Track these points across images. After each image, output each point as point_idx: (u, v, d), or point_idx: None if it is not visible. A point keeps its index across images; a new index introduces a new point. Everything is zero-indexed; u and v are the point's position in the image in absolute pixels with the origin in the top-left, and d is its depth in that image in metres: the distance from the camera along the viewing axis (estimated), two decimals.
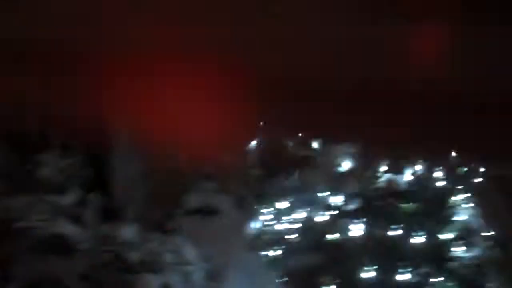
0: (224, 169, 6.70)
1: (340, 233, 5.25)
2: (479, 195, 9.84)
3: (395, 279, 5.17)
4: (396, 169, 7.74)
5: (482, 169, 11.79)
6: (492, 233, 9.80)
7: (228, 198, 6.78)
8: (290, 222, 5.11)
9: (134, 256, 5.31)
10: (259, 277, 5.63)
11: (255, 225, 5.27)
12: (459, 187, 10.86)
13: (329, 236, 5.20)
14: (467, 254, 9.47)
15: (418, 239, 5.53)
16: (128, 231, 5.56)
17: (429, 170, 7.52)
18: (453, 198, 10.46)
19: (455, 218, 9.85)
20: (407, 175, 7.43)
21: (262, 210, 5.22)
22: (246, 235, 5.31)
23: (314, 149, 5.51)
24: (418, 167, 8.30)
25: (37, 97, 6.16)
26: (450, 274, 8.05)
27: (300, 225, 5.11)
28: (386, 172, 8.15)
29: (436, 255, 6.00)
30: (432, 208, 6.64)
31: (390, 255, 5.43)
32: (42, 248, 5.22)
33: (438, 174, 7.65)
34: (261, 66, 6.00)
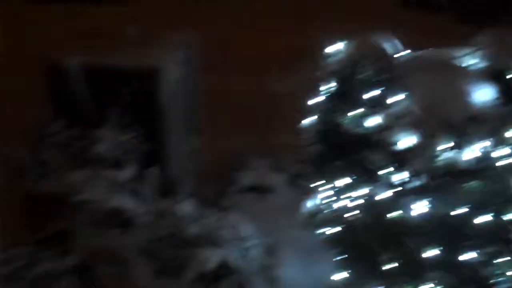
0: (277, 146, 6.52)
1: (402, 211, 4.93)
2: None
3: (459, 259, 4.86)
4: (460, 146, 7.10)
5: None
6: None
7: (281, 176, 6.61)
8: (350, 200, 4.85)
9: (192, 230, 5.33)
10: (315, 255, 5.47)
11: (311, 203, 5.08)
12: None
13: (390, 214, 4.89)
14: None
15: (483, 219, 5.10)
16: (186, 206, 5.58)
17: (494, 147, 6.75)
18: None
19: None
20: (471, 153, 6.75)
21: (320, 188, 5.01)
22: (301, 213, 5.13)
23: (373, 126, 5.11)
24: (482, 145, 7.47)
25: None
26: None
27: (360, 202, 4.84)
28: (449, 149, 7.50)
29: (501, 235, 5.51)
30: (496, 187, 6.02)
31: (453, 235, 5.08)
32: (101, 222, 5.37)
33: (503, 151, 6.83)
34: None
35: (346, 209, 5.08)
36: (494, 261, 4.91)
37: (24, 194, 5.52)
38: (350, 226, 5.09)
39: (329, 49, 5.02)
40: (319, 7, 6.44)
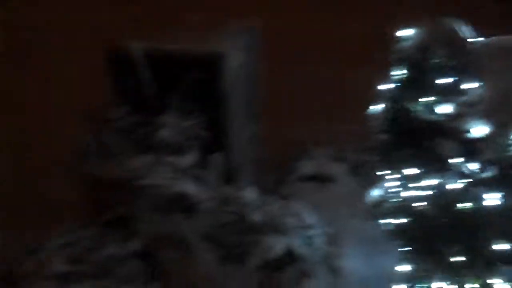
0: (339, 135, 6.40)
1: (472, 203, 4.75)
2: None
3: None
4: None
5: None
6: None
7: (343, 166, 6.47)
8: (418, 190, 4.70)
9: (256, 217, 5.26)
10: (378, 246, 5.33)
11: (376, 192, 4.94)
12: None
13: (460, 206, 4.71)
14: None
15: None
16: (250, 193, 5.51)
17: None
18: None
19: None
20: None
21: (386, 177, 4.88)
22: (364, 203, 5.02)
23: (445, 114, 4.93)
24: None
25: None
26: None
27: (429, 192, 4.68)
28: None
29: None
30: None
31: None
32: (165, 206, 5.34)
33: None
34: None
35: (413, 199, 4.93)
36: None
37: (88, 178, 5.51)
38: (418, 217, 4.94)
39: (399, 35, 4.87)
40: None
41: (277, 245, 4.86)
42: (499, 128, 4.61)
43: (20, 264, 4.95)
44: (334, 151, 6.21)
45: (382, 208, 5.11)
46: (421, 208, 4.79)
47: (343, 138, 6.13)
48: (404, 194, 4.85)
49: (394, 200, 4.96)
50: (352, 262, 5.41)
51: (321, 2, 6.12)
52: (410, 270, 4.71)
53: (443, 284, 4.60)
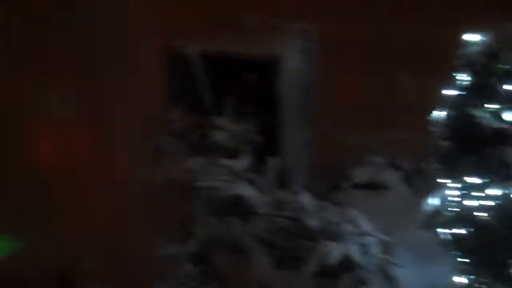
0: (395, 142, 6.29)
1: None
2: None
3: None
4: None
5: None
6: None
7: (397, 174, 6.34)
8: (480, 199, 4.55)
9: (313, 223, 5.17)
10: (435, 256, 5.19)
11: (433, 201, 4.82)
12: None
13: None
14: None
15: None
16: (305, 198, 5.43)
17: None
18: None
19: None
20: None
21: (447, 185, 4.75)
22: (420, 212, 4.91)
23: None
24: None
25: None
26: None
27: (491, 203, 4.53)
28: None
29: None
30: None
31: None
32: (221, 209, 5.29)
33: None
34: None
35: (475, 209, 4.79)
36: None
37: (145, 180, 5.51)
38: (478, 228, 4.80)
39: (465, 40, 4.76)
40: None
41: (334, 251, 4.77)
42: None
43: (76, 263, 4.95)
44: (388, 159, 6.09)
45: (440, 217, 4.98)
46: (483, 218, 4.65)
47: (398, 145, 6.01)
48: (465, 203, 4.70)
49: (454, 209, 4.83)
50: (407, 272, 5.28)
51: (379, 7, 6.01)
52: (467, 282, 4.57)
53: None
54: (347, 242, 5.02)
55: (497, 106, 4.54)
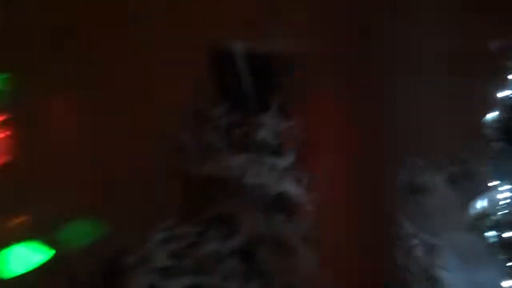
0: (438, 143, 6.18)
1: None
2: None
3: None
4: None
5: None
6: None
7: (439, 176, 6.23)
8: None
9: None
10: (482, 260, 5.07)
11: (480, 204, 4.72)
12: None
13: None
14: None
15: None
16: None
17: None
18: None
19: None
20: None
21: (497, 188, 4.66)
22: (465, 215, 4.81)
23: None
24: None
25: None
26: None
27: None
28: None
29: None
30: None
31: None
32: (267, 206, 5.24)
33: None
34: None
35: None
36: None
37: (188, 175, 5.47)
38: None
39: None
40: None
41: None
42: None
43: (122, 257, 4.92)
44: (431, 161, 5.99)
45: (488, 220, 4.88)
46: None
47: (442, 146, 5.91)
48: None
49: (503, 212, 4.72)
50: (453, 275, 5.17)
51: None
52: None
53: None
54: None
55: None
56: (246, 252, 5.02)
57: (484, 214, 4.82)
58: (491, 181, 4.83)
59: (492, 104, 4.79)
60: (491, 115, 4.78)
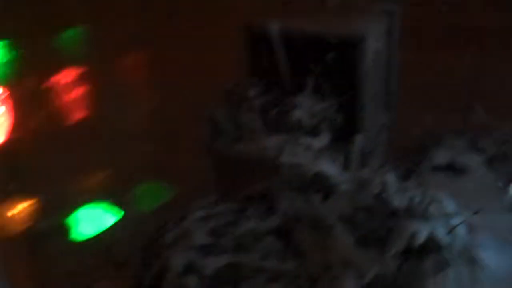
0: (477, 125, 6.07)
1: None
2: None
3: None
4: None
5: None
6: None
7: (479, 157, 6.12)
8: None
9: (399, 202, 5.03)
10: None
11: None
12: None
13: None
14: None
15: None
16: (389, 177, 5.28)
17: None
18: None
19: None
20: None
21: None
22: (504, 196, 4.73)
23: None
24: None
25: None
26: None
27: None
28: None
29: None
30: None
31: None
32: (304, 186, 5.21)
33: None
34: None
35: None
36: None
37: (225, 155, 5.46)
38: None
39: None
40: None
41: (421, 231, 4.60)
42: None
43: (162, 235, 4.95)
44: (470, 141, 5.89)
45: None
46: None
47: (481, 127, 5.80)
48: None
49: None
50: (491, 255, 5.09)
51: None
52: None
53: None
54: (434, 222, 4.85)
55: None
56: (283, 232, 5.00)
57: None
58: None
59: None
60: None
